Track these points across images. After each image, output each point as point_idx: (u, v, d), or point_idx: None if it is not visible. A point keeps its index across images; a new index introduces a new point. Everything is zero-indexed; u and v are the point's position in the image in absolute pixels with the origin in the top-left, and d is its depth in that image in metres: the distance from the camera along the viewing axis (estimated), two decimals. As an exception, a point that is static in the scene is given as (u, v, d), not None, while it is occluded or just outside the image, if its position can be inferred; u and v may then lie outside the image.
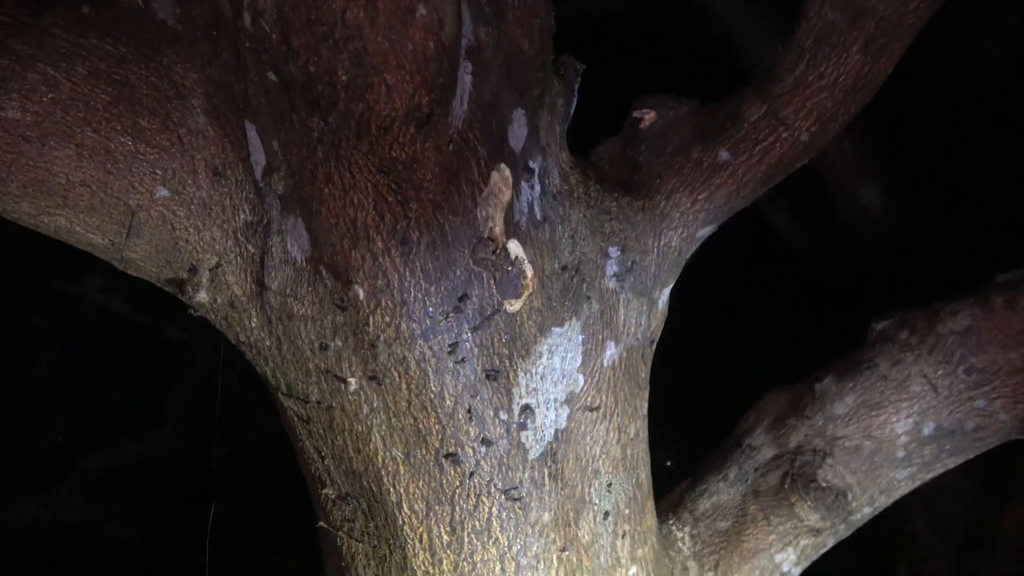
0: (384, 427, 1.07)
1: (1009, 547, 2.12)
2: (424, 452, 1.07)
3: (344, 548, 1.18)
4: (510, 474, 1.09)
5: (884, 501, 1.27)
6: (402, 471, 1.08)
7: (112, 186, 1.05)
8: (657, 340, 1.21)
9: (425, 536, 1.09)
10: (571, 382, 1.11)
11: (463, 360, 1.05)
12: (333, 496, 1.17)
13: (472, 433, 1.06)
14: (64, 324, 5.21)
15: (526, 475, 1.09)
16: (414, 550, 1.11)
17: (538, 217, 1.06)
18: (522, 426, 1.08)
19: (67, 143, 1.04)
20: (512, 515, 1.09)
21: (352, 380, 1.05)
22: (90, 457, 5.39)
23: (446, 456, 1.08)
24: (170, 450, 5.55)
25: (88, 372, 5.16)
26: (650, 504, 1.21)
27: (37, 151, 1.03)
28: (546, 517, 1.10)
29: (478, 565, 1.10)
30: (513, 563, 1.10)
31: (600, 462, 1.14)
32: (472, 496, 1.08)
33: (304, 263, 1.05)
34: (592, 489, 1.14)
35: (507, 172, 1.02)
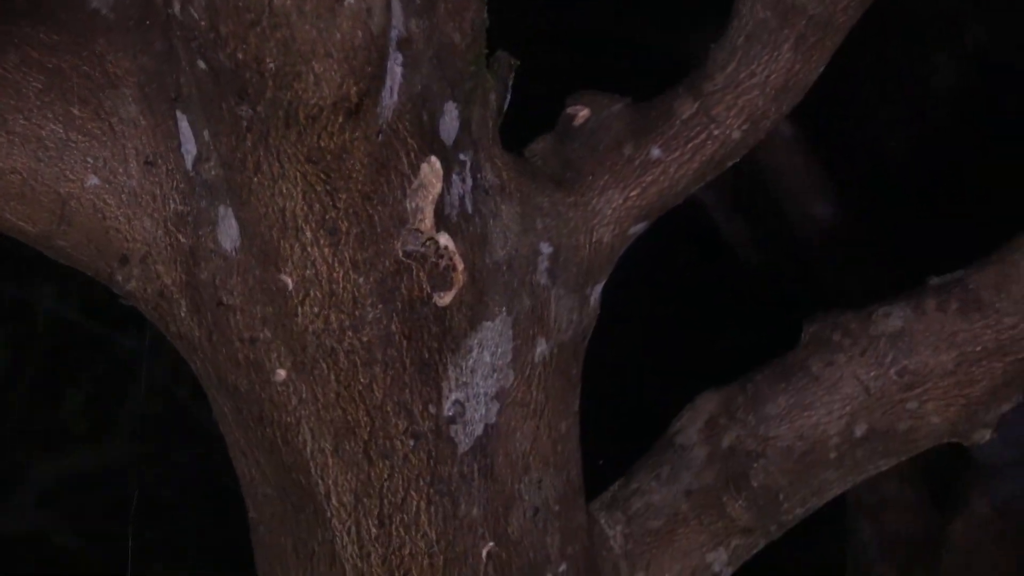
0: (313, 419, 1.07)
1: (954, 558, 2.13)
2: (353, 444, 1.07)
3: (273, 542, 1.19)
4: (439, 468, 1.09)
5: (816, 502, 1.28)
6: (331, 463, 1.09)
7: (43, 174, 1.06)
8: (589, 337, 1.22)
9: (353, 529, 1.09)
10: (501, 377, 1.11)
11: (393, 352, 1.05)
12: (262, 490, 1.17)
13: (401, 426, 1.06)
14: (16, 332, 5.15)
15: (455, 469, 1.09)
16: (343, 543, 1.11)
17: (469, 211, 1.07)
18: (451, 420, 1.09)
19: None
20: (440, 509, 1.10)
21: (281, 371, 1.06)
22: (41, 466, 5.33)
23: (375, 449, 1.08)
24: (122, 459, 5.23)
25: (40, 380, 5.15)
26: (581, 502, 1.22)
27: None
28: (475, 512, 1.11)
29: (406, 559, 1.10)
30: (441, 557, 1.11)
31: (531, 458, 1.14)
32: (400, 489, 1.08)
33: (234, 253, 1.04)
34: (522, 485, 1.15)
35: (437, 165, 1.03)
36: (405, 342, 1.07)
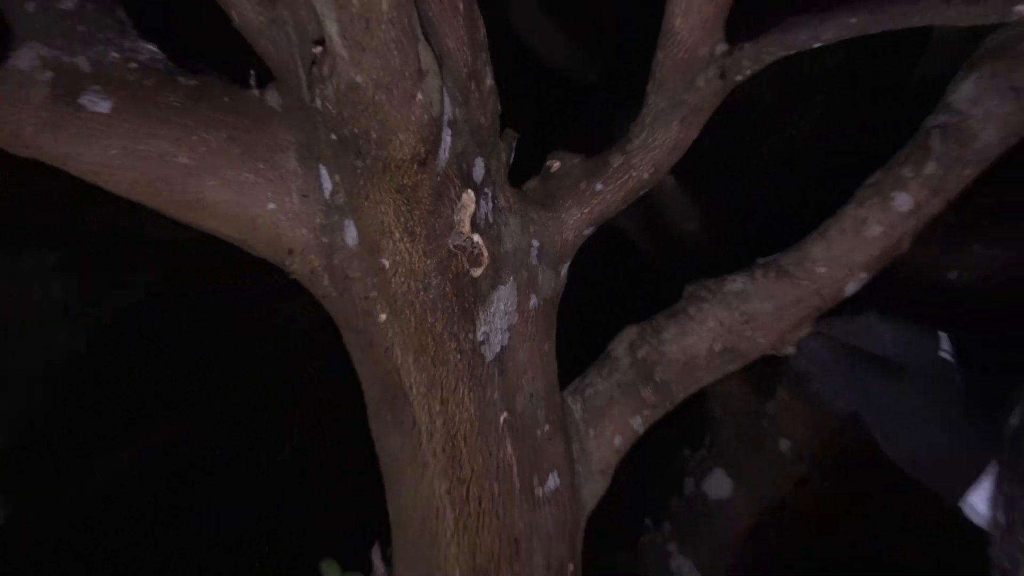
0: (401, 343, 1.00)
1: (768, 422, 2.02)
2: (424, 358, 0.99)
3: (379, 418, 1.10)
4: (475, 371, 1.02)
5: (694, 388, 1.21)
6: (412, 369, 1.01)
7: (242, 203, 0.99)
8: (560, 295, 1.15)
9: (426, 406, 1.02)
10: (511, 318, 1.05)
11: (446, 304, 0.99)
12: (372, 388, 1.09)
13: (452, 346, 0.99)
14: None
15: (484, 371, 1.02)
16: (419, 415, 1.03)
17: (491, 221, 1.00)
18: (482, 343, 1.02)
19: (214, 177, 0.98)
20: (476, 394, 1.02)
21: (382, 315, 0.99)
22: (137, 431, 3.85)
23: (438, 360, 1.01)
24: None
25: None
26: (557, 390, 1.15)
27: (197, 182, 0.98)
28: (496, 396, 1.03)
29: (457, 423, 1.02)
30: (477, 422, 1.03)
31: (527, 365, 1.08)
32: (452, 383, 1.00)
33: (354, 247, 0.98)
34: (523, 380, 1.08)
35: (471, 194, 0.96)
36: (454, 298, 1.00)
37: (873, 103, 2.27)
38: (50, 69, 0.98)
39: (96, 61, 0.99)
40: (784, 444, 2.00)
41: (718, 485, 2.02)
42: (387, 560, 1.24)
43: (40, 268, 2.33)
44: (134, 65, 1.01)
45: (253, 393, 3.12)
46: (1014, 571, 1.01)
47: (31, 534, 2.51)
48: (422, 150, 0.91)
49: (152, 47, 1.04)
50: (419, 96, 0.87)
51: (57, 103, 0.96)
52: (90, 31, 1.01)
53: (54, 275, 2.37)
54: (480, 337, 1.03)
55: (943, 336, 1.14)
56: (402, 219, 0.98)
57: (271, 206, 1.01)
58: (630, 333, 1.21)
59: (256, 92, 1.04)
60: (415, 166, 0.92)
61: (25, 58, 0.98)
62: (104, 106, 0.97)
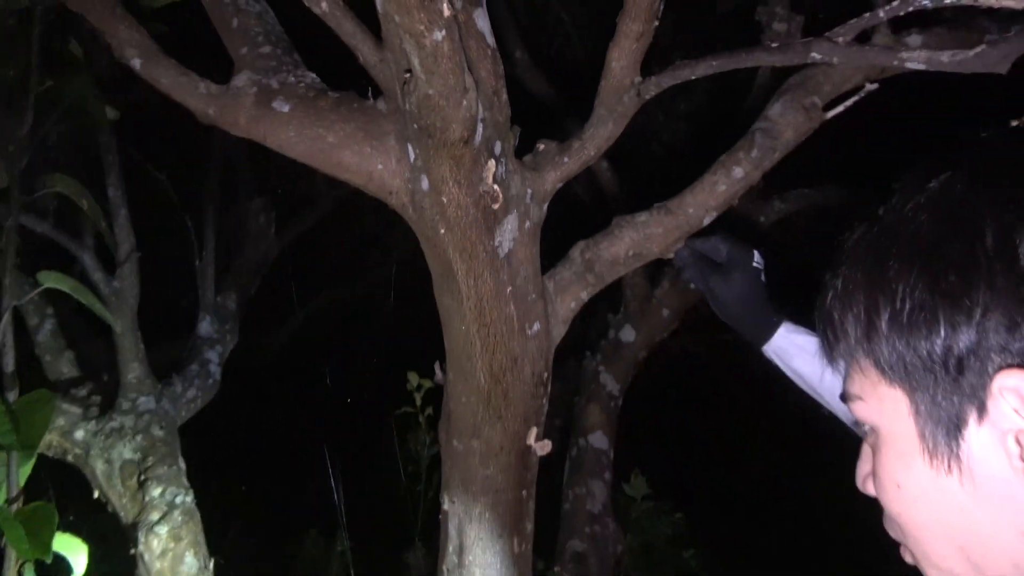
0: (452, 246, 1.08)
1: (656, 300, 2.16)
2: (465, 254, 1.09)
3: (442, 303, 1.18)
4: (493, 262, 1.11)
5: (616, 276, 1.28)
6: (458, 261, 1.08)
7: (363, 165, 1.08)
8: (542, 222, 1.21)
9: (465, 282, 1.10)
10: (514, 233, 1.12)
11: (478, 225, 1.07)
12: (439, 282, 1.17)
13: (481, 248, 1.08)
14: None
15: (499, 262, 1.11)
16: (462, 288, 1.10)
17: (504, 178, 1.07)
18: (498, 247, 1.10)
19: (348, 150, 1.07)
20: (494, 276, 1.11)
21: (442, 230, 1.07)
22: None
23: (472, 255, 1.10)
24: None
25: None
26: (540, 274, 1.21)
27: (339, 152, 1.07)
28: (505, 277, 1.12)
29: (483, 292, 1.10)
30: (493, 292, 1.12)
31: (523, 260, 1.15)
32: (480, 269, 1.09)
33: (427, 191, 1.05)
34: (520, 268, 1.16)
35: (493, 163, 1.04)
36: (482, 221, 1.09)
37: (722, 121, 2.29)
38: (255, 86, 1.09)
39: (281, 82, 1.10)
40: (665, 312, 2.20)
41: (627, 334, 2.22)
42: (443, 370, 1.30)
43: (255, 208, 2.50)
44: (303, 85, 1.12)
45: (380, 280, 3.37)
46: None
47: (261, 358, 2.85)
48: (466, 135, 0.99)
49: (313, 75, 1.16)
50: (464, 103, 0.95)
51: (259, 106, 1.07)
52: (278, 65, 1.12)
53: (262, 211, 2.53)
54: (497, 243, 1.12)
55: (755, 252, 1.18)
56: (453, 174, 1.04)
57: (380, 167, 1.10)
58: (580, 244, 1.29)
59: (372, 101, 1.12)
60: (461, 144, 1.00)
61: (241, 80, 1.10)
62: (286, 108, 1.08)
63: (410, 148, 1.08)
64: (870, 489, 0.59)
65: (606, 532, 2.16)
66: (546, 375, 1.27)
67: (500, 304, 1.16)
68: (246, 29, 1.14)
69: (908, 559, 0.58)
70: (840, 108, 1.21)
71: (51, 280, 1.49)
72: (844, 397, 0.59)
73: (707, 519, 2.97)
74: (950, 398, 0.49)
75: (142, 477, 2.08)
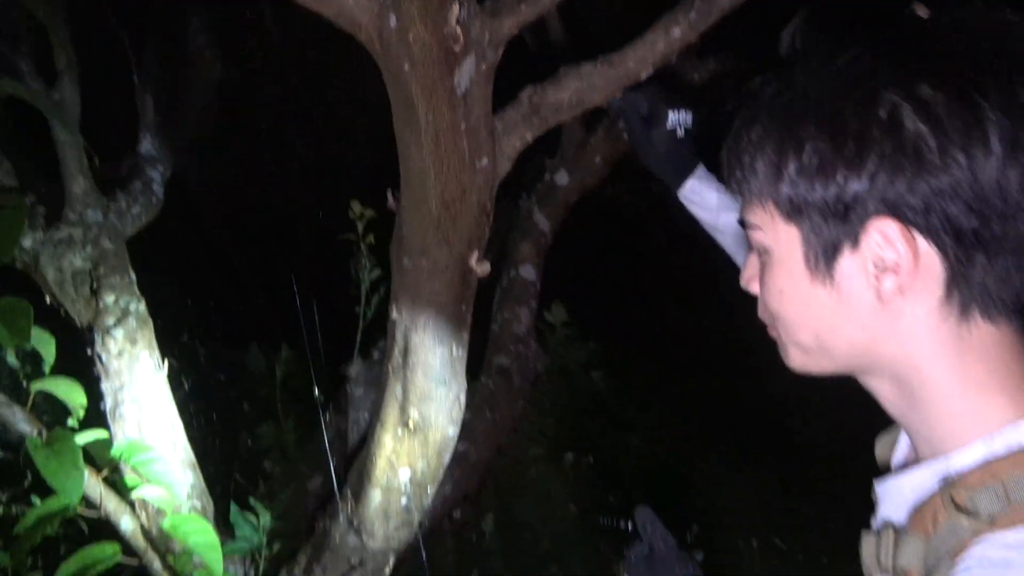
0: (414, 81, 1.14)
1: (590, 147, 2.28)
2: (426, 89, 1.16)
3: (400, 125, 1.25)
4: (451, 98, 1.19)
5: (559, 119, 1.37)
6: (419, 94, 1.16)
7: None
8: (496, 65, 1.26)
9: (424, 114, 1.18)
10: (472, 73, 1.21)
11: (440, 63, 1.15)
12: (397, 106, 1.23)
13: (441, 85, 1.16)
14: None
15: (456, 100, 1.20)
16: (420, 119, 1.19)
17: (465, 21, 1.14)
18: (457, 86, 1.18)
19: None
20: (451, 111, 1.20)
21: (406, 66, 1.12)
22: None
23: (432, 90, 1.17)
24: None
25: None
26: (491, 114, 1.29)
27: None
28: (460, 114, 1.21)
29: (439, 124, 1.19)
30: (449, 125, 1.20)
31: (477, 98, 1.24)
32: (438, 104, 1.18)
33: (394, 28, 1.11)
34: (475, 106, 1.24)
35: (457, 6, 1.10)
36: (443, 59, 1.16)
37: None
38: None
39: None
40: (598, 159, 2.36)
41: (561, 177, 2.39)
42: (396, 198, 1.40)
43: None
44: None
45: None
46: None
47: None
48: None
49: None
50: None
51: None
52: None
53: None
54: (456, 82, 1.19)
55: (677, 108, 1.27)
56: (420, 14, 1.09)
57: (350, 1, 1.13)
58: (529, 88, 1.37)
59: None
60: None
61: None
62: None
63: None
64: (754, 288, 0.76)
65: (528, 352, 2.43)
66: (489, 205, 1.39)
67: (454, 138, 1.25)
68: None
69: (772, 335, 0.77)
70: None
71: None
72: (743, 224, 0.73)
73: (617, 348, 3.35)
74: (833, 232, 0.64)
75: (94, 285, 2.20)
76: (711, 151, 1.25)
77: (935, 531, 0.60)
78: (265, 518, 2.07)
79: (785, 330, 0.74)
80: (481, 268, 1.53)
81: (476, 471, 2.22)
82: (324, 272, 2.64)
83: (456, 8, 1.12)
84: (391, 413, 1.67)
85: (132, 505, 1.80)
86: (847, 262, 0.66)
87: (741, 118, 0.69)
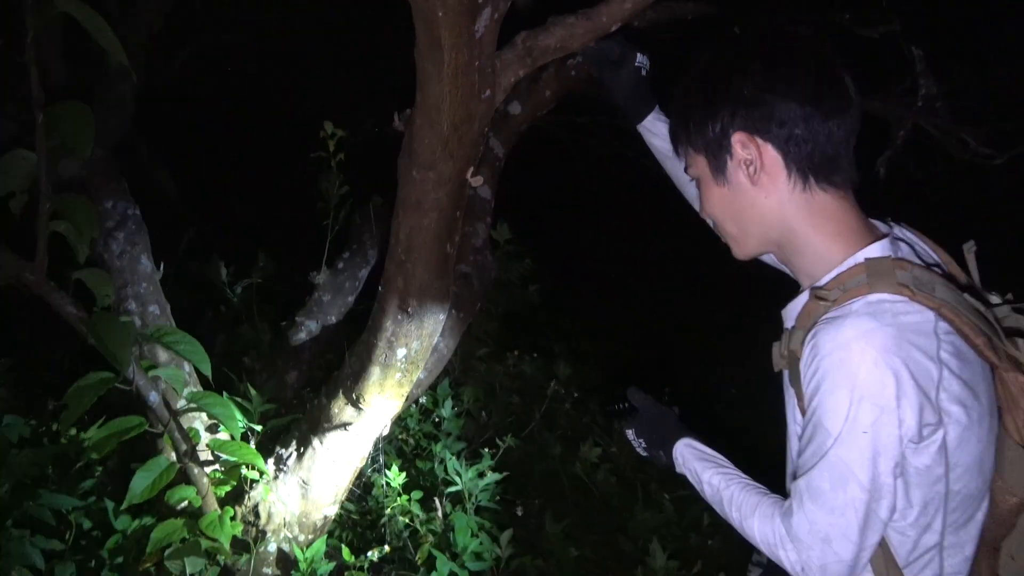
0: (444, 25, 1.34)
1: (541, 86, 2.52)
2: (453, 33, 1.36)
3: (425, 59, 1.42)
4: (470, 40, 1.39)
5: (547, 59, 1.53)
6: (447, 36, 1.36)
7: None
8: (504, 15, 1.40)
9: (449, 54, 1.38)
10: (487, 21, 1.41)
11: (466, 14, 1.34)
12: (421, 47, 1.41)
13: (466, 29, 1.35)
14: None
15: (474, 41, 1.39)
16: (444, 59, 1.39)
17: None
18: (476, 30, 1.38)
19: None
20: (468, 49, 1.38)
21: (440, 12, 1.32)
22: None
23: (457, 34, 1.37)
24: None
25: None
26: (495, 49, 1.48)
27: None
28: (477, 51, 1.40)
29: (459, 63, 1.40)
30: (465, 64, 1.41)
31: (489, 40, 1.42)
32: (461, 44, 1.36)
33: None
34: (486, 44, 1.42)
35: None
36: (468, 8, 1.35)
37: None
38: None
39: None
40: (547, 92, 2.53)
41: (514, 108, 2.53)
42: (403, 120, 1.56)
43: None
44: None
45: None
46: None
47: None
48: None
49: None
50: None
51: None
52: None
53: None
54: (476, 28, 1.36)
55: (640, 54, 1.51)
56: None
57: None
58: (523, 33, 1.53)
59: None
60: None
61: None
62: None
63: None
64: (706, 214, 1.18)
65: (485, 261, 2.76)
66: (487, 129, 1.59)
67: (469, 73, 1.42)
68: None
69: (714, 228, 1.18)
70: None
71: None
72: (686, 169, 1.17)
73: (550, 263, 3.75)
74: (720, 152, 1.08)
75: (92, 191, 2.36)
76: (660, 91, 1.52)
77: (808, 321, 0.98)
78: (257, 401, 2.36)
79: (722, 229, 1.15)
80: (475, 181, 1.82)
81: (443, 361, 2.58)
82: (295, 187, 2.81)
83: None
84: (392, 301, 1.97)
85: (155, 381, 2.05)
86: (730, 167, 1.09)
87: (670, 107, 1.18)
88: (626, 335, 4.11)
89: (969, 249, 1.02)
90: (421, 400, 2.91)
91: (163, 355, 2.20)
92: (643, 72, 1.52)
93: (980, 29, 3.07)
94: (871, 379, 0.86)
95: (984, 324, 0.90)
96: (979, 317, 0.90)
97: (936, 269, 0.99)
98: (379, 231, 2.62)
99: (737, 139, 1.04)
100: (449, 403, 2.74)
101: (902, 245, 1.02)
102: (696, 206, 1.26)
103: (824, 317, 0.94)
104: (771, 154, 1.04)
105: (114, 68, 2.64)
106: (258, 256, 2.92)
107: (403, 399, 2.16)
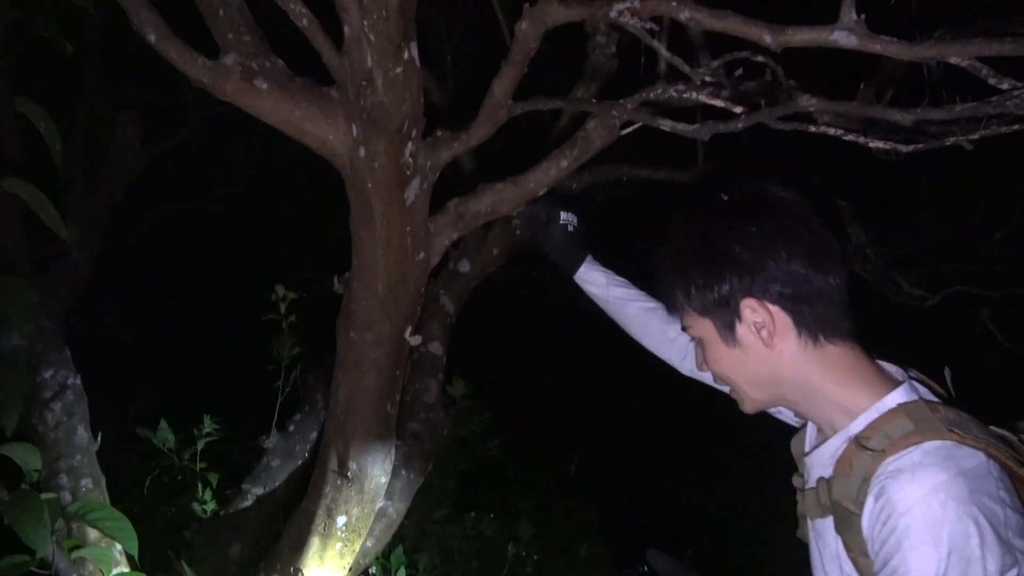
0: (375, 196, 1.48)
1: (489, 244, 2.62)
2: (383, 201, 1.48)
3: (359, 224, 1.54)
4: (401, 208, 1.53)
5: (480, 223, 1.69)
6: (378, 205, 1.48)
7: (320, 134, 1.43)
8: (435, 183, 1.57)
9: (382, 221, 1.49)
10: (417, 190, 1.53)
11: (396, 184, 1.46)
12: (354, 215, 1.55)
13: (396, 206, 1.52)
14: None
15: (405, 210, 1.56)
16: (376, 226, 1.51)
17: (415, 153, 1.46)
18: (407, 199, 1.50)
19: (308, 123, 1.41)
20: (400, 216, 1.52)
21: (369, 185, 1.45)
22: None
23: (388, 206, 1.51)
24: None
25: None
26: (427, 218, 1.63)
27: (303, 123, 1.42)
28: (408, 218, 1.56)
29: (392, 229, 1.52)
30: (399, 225, 1.51)
31: (419, 206, 1.55)
32: (393, 213, 1.52)
33: (364, 157, 1.44)
34: (417, 211, 1.57)
35: (411, 143, 1.44)
36: (398, 181, 1.46)
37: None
38: (240, 66, 1.34)
39: (260, 65, 1.36)
40: (495, 250, 2.56)
41: (463, 265, 2.51)
42: (342, 282, 1.63)
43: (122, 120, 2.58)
44: (276, 70, 1.38)
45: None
46: None
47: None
48: (400, 127, 1.33)
49: (282, 62, 1.40)
50: (403, 108, 1.31)
51: (243, 81, 1.33)
52: (256, 51, 1.37)
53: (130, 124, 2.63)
54: (406, 196, 1.46)
55: (566, 212, 1.58)
56: (386, 149, 1.35)
57: (331, 137, 1.39)
58: (455, 199, 1.62)
59: (328, 88, 1.38)
60: (396, 132, 1.33)
61: (229, 60, 1.35)
62: (264, 86, 1.34)
63: (354, 127, 1.39)
64: (704, 369, 1.13)
65: (437, 418, 2.70)
66: (422, 289, 1.66)
67: (401, 238, 1.52)
68: (230, 19, 1.37)
69: (728, 391, 1.14)
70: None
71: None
72: (684, 328, 1.13)
73: (510, 416, 3.71)
74: (726, 316, 1.05)
75: (32, 361, 2.33)
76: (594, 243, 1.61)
77: (851, 469, 0.96)
78: (193, 583, 2.21)
79: (732, 387, 1.13)
80: (414, 339, 1.87)
81: (393, 526, 2.47)
82: (246, 350, 2.83)
83: (411, 145, 1.42)
84: (331, 465, 1.89)
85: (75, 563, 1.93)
86: (740, 330, 1.07)
87: (658, 269, 1.13)
88: (595, 485, 4.01)
89: (948, 377, 1.06)
90: (371, 571, 2.75)
91: (92, 533, 2.07)
92: (570, 228, 1.60)
93: (900, 182, 3.25)
94: (955, 532, 0.86)
95: (1013, 451, 0.93)
96: (1007, 445, 0.94)
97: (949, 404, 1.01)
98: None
99: (746, 304, 1.05)
100: (403, 572, 2.58)
101: (918, 385, 1.04)
102: (660, 353, 1.40)
103: (888, 470, 0.93)
104: (781, 316, 1.05)
105: (72, 238, 2.69)
106: (204, 421, 2.86)
107: (346, 571, 2.04)
